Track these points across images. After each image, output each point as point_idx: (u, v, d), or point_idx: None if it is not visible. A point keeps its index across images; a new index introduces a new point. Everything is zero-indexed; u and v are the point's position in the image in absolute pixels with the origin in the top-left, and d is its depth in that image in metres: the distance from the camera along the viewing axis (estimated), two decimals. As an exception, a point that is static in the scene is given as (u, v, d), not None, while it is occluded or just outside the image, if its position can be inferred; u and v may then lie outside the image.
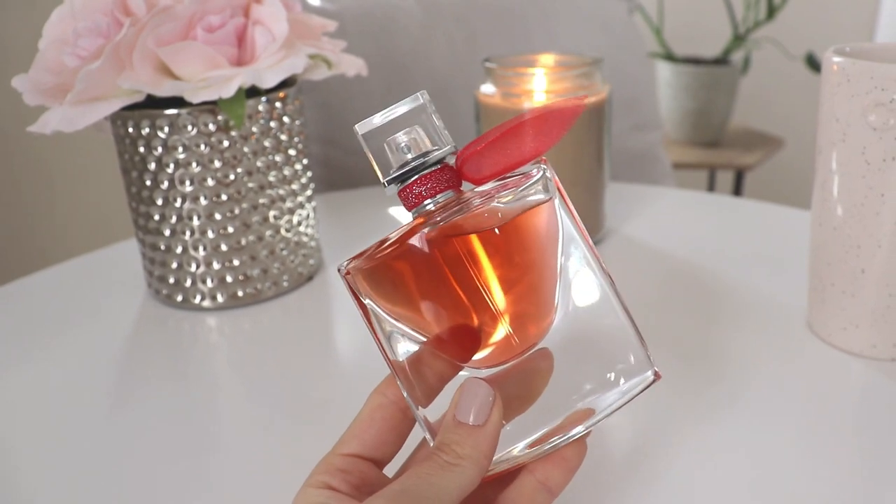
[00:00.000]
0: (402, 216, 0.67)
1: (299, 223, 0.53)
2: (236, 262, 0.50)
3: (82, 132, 0.46)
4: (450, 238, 0.26)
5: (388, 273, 0.26)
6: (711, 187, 1.66)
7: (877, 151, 0.38)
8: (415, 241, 0.25)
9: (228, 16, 0.47)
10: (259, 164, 0.50)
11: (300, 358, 0.46)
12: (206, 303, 0.51)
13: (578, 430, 0.26)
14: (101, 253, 0.64)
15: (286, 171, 0.51)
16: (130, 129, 0.48)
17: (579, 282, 0.27)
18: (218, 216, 0.49)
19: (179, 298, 0.51)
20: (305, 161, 0.54)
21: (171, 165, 0.48)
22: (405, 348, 0.27)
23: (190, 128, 0.47)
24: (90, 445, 0.38)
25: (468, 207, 0.26)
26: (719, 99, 1.43)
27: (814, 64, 1.38)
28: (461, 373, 0.27)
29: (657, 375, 0.27)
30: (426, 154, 0.27)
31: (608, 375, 0.26)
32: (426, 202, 0.27)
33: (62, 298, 0.56)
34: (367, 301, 0.27)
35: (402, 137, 0.27)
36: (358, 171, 0.86)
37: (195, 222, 0.49)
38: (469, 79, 0.84)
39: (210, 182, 0.48)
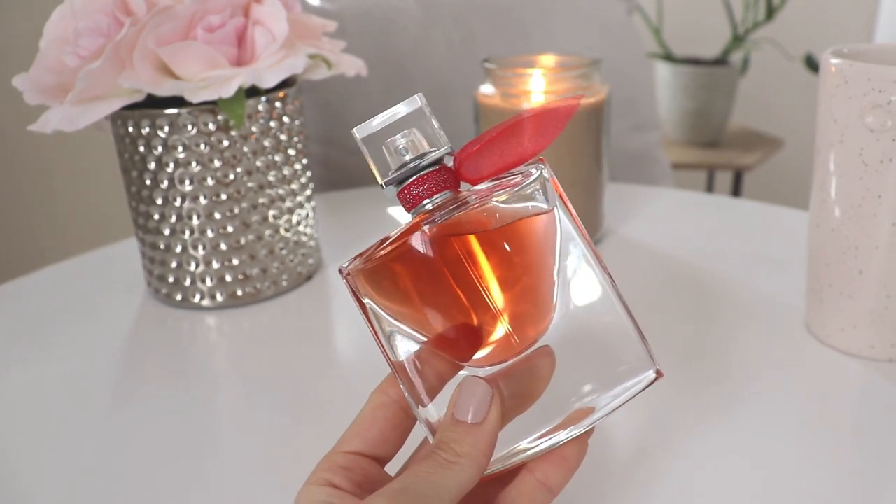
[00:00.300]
0: (402, 216, 0.67)
1: (299, 223, 0.53)
2: (236, 262, 0.51)
3: (82, 131, 0.46)
4: (449, 238, 0.26)
5: (388, 273, 0.26)
6: (710, 188, 1.66)
7: (874, 153, 0.38)
8: (414, 240, 0.26)
9: (228, 16, 0.47)
10: (259, 163, 0.50)
11: (299, 357, 0.46)
12: (206, 302, 0.51)
13: (579, 428, 0.26)
14: (101, 252, 0.64)
15: (286, 171, 0.52)
16: (130, 129, 0.48)
17: (579, 280, 0.27)
18: (217, 215, 0.49)
19: (179, 297, 0.52)
20: (305, 161, 0.54)
21: (171, 165, 0.48)
22: (405, 348, 0.27)
23: (190, 127, 0.47)
24: (90, 445, 0.38)
25: (466, 206, 0.26)
26: (718, 99, 1.43)
27: (813, 65, 1.38)
28: (461, 372, 0.27)
29: (659, 374, 0.26)
30: (423, 155, 0.27)
31: (609, 373, 0.27)
32: (425, 202, 0.27)
33: (62, 297, 0.56)
34: (367, 301, 0.27)
35: (399, 140, 0.27)
36: (357, 170, 0.86)
37: (195, 221, 0.49)
38: (468, 79, 0.84)
39: (210, 181, 0.48)
